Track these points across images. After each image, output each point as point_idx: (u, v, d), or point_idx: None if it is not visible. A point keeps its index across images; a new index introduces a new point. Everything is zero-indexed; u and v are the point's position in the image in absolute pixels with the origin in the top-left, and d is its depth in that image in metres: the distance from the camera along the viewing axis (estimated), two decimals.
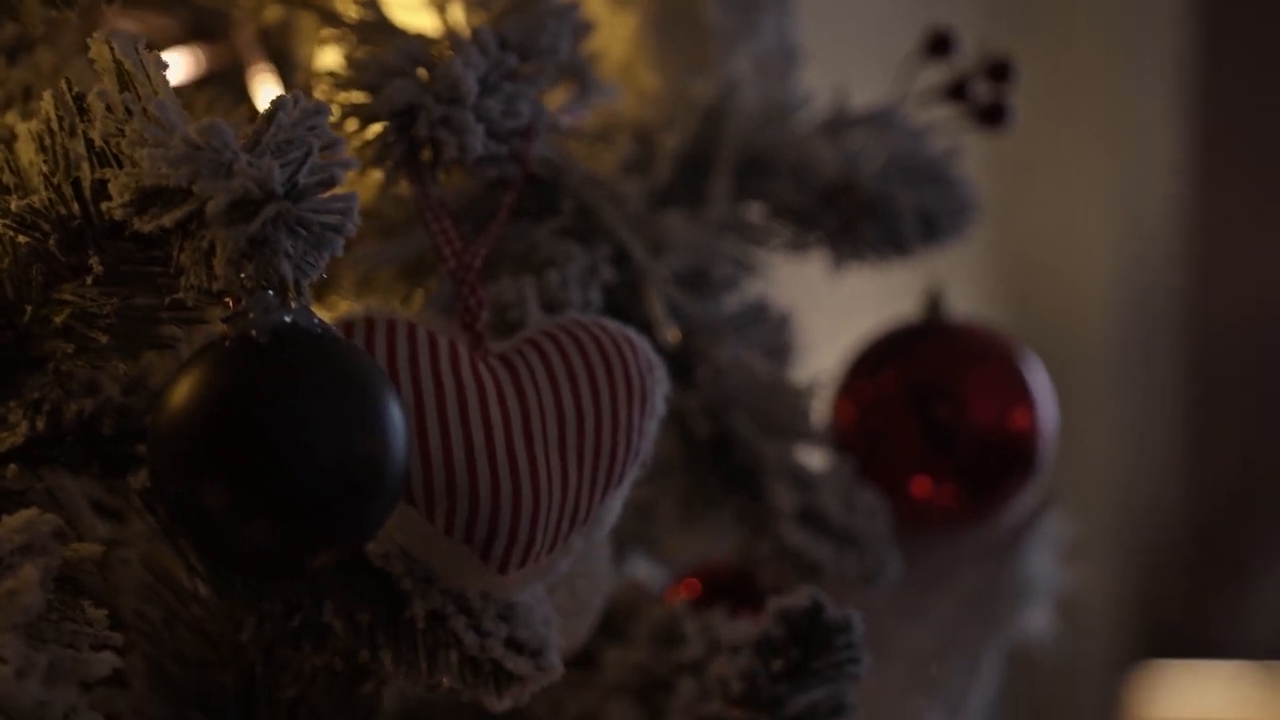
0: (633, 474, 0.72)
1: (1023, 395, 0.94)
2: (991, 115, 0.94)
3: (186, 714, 0.73)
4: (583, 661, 0.88)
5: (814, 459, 0.90)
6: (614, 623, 0.90)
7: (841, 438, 0.94)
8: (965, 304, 3.80)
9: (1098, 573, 4.36)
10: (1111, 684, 4.23)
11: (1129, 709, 3.80)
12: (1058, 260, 4.47)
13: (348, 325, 0.69)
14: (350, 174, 0.73)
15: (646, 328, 0.81)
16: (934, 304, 0.96)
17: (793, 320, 0.91)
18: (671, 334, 0.81)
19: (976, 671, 0.97)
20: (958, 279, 3.64)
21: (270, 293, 0.60)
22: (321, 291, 0.80)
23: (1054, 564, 0.97)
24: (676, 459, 0.88)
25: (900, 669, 0.95)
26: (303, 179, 0.60)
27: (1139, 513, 4.44)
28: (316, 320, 0.62)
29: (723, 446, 0.88)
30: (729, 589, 0.91)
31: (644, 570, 0.94)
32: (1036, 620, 0.98)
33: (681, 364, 0.87)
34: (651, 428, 0.72)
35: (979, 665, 0.97)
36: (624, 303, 0.83)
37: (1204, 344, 4.41)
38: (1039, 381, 0.95)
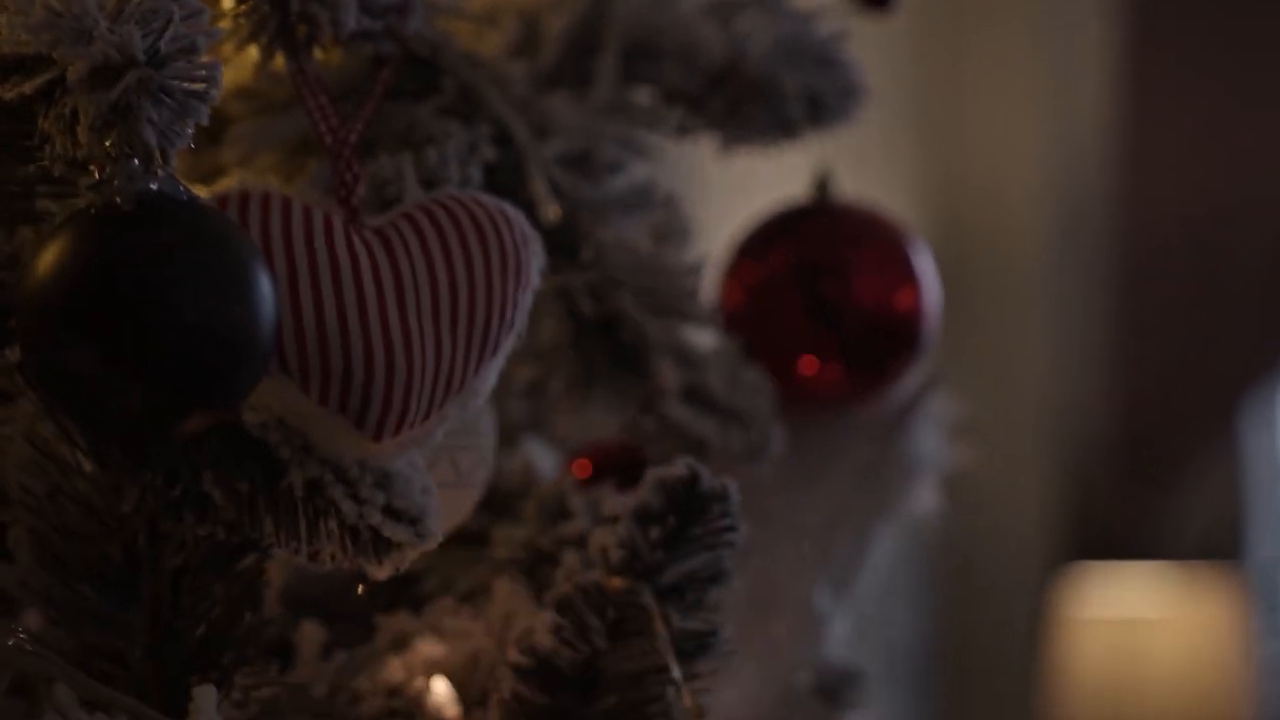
0: (508, 345, 0.73)
1: (909, 275, 0.96)
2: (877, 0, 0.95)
3: (72, 585, 0.74)
4: (474, 540, 0.90)
5: (700, 338, 0.91)
6: (506, 503, 0.91)
7: (728, 318, 0.95)
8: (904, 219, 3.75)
9: (1029, 478, 4.42)
10: (1040, 584, 4.29)
11: (1056, 608, 3.86)
12: (989, 174, 4.49)
13: (221, 199, 0.70)
14: (228, 52, 0.74)
15: (529, 207, 0.82)
16: (822, 185, 0.97)
17: (680, 203, 0.92)
18: (552, 211, 0.82)
19: (865, 549, 1.00)
20: (888, 192, 3.67)
21: (135, 161, 0.61)
22: (203, 172, 0.81)
23: (941, 442, 0.99)
24: (564, 339, 0.90)
25: (788, 546, 0.96)
26: (164, 46, 0.60)
27: (1069, 421, 4.49)
28: (183, 189, 0.63)
29: (609, 326, 0.89)
30: (618, 467, 0.92)
31: (536, 453, 0.96)
32: (924, 497, 1.00)
33: (567, 244, 0.88)
34: (526, 300, 0.73)
35: (867, 542, 0.99)
36: (506, 182, 0.84)
37: (1133, 257, 4.44)
38: (925, 263, 0.97)
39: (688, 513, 0.77)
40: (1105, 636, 3.59)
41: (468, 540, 0.89)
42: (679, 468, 0.77)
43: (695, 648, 0.80)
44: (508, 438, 0.94)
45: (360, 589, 0.84)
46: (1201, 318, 4.31)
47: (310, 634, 0.81)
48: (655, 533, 0.77)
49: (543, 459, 0.95)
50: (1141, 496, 4.35)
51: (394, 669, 0.82)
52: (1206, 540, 4.39)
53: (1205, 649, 3.54)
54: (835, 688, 1.01)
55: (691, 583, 0.79)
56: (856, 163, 3.71)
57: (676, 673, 0.79)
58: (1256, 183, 4.26)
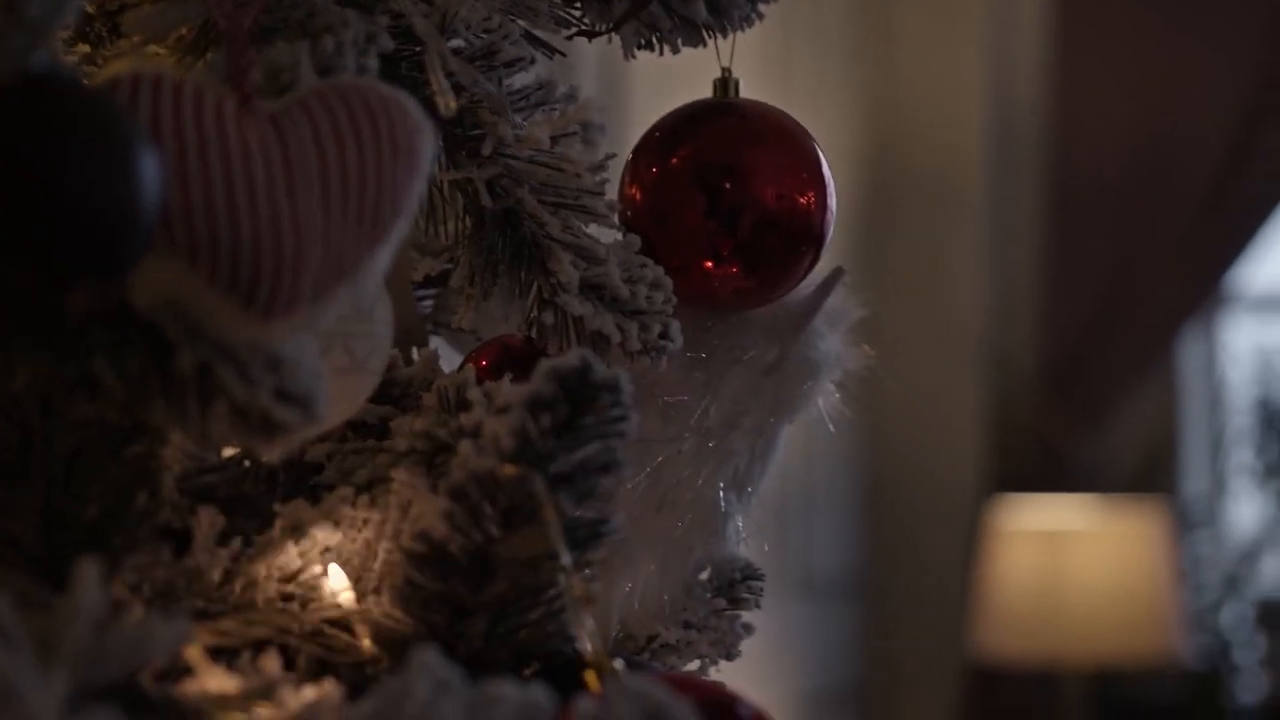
0: (399, 231, 0.74)
1: (808, 176, 0.97)
2: None
3: None
4: (373, 431, 0.91)
5: (600, 236, 0.92)
6: (406, 395, 0.92)
7: (629, 216, 0.96)
8: (837, 145, 3.83)
9: (960, 407, 4.45)
10: (970, 511, 4.34)
11: (985, 529, 3.90)
12: (922, 101, 4.50)
13: (113, 81, 0.70)
14: None
15: (428, 100, 0.83)
16: (724, 86, 0.98)
17: (583, 100, 0.93)
18: (449, 103, 0.83)
19: (766, 447, 1.01)
20: (830, 121, 3.66)
21: (19, 37, 0.61)
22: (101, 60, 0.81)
23: (841, 341, 1.00)
24: (465, 234, 0.90)
25: (690, 444, 0.98)
26: None
27: (1000, 352, 4.53)
28: (66, 67, 0.63)
29: (509, 221, 0.90)
30: (518, 362, 0.93)
31: (439, 348, 0.97)
32: (825, 397, 1.01)
33: (468, 139, 0.88)
34: (417, 187, 0.74)
35: (769, 441, 1.01)
36: (406, 75, 0.85)
37: (1067, 187, 4.47)
38: (823, 165, 0.97)
39: (579, 402, 0.79)
40: (1032, 548, 3.63)
41: (367, 431, 0.90)
42: (571, 358, 0.78)
43: (586, 535, 0.82)
44: (409, 333, 0.95)
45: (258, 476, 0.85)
46: (1135, 250, 4.35)
47: (206, 520, 0.82)
48: (547, 421, 0.78)
49: (445, 353, 0.96)
50: (1072, 428, 4.40)
51: (290, 556, 0.83)
52: (1136, 472, 4.45)
53: (1129, 561, 3.59)
54: (734, 585, 1.02)
55: (583, 471, 0.80)
56: (784, 85, 3.73)
57: (567, 559, 0.80)
58: (1192, 115, 4.28)
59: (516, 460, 0.79)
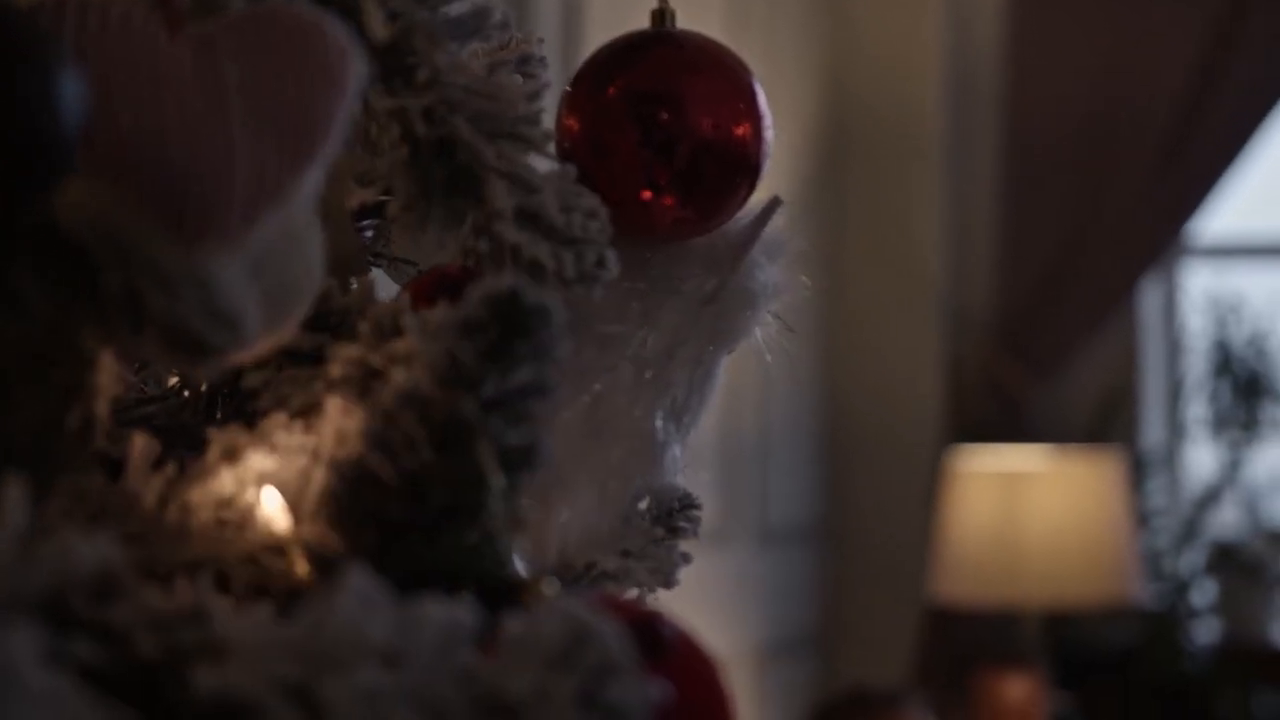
0: (327, 155, 0.74)
1: (745, 107, 0.97)
2: None
3: None
4: (309, 358, 0.91)
5: (536, 164, 0.92)
6: (341, 323, 0.93)
7: (566, 146, 0.96)
8: (795, 96, 3.85)
9: (917, 359, 4.47)
10: (927, 461, 4.36)
11: (944, 478, 3.92)
12: (886, 57, 4.49)
13: (38, 3, 0.70)
14: None
15: (362, 27, 0.83)
16: (661, 17, 0.98)
17: (517, 29, 0.93)
18: (381, 30, 0.83)
19: (704, 378, 1.02)
20: (788, 72, 3.65)
21: None
22: None
23: (777, 272, 1.01)
24: (399, 162, 0.91)
25: (627, 373, 0.98)
26: None
27: (957, 305, 4.54)
28: None
29: (444, 150, 0.90)
30: (456, 291, 0.93)
31: (378, 278, 0.97)
32: (762, 327, 1.02)
33: (402, 67, 0.89)
34: (344, 110, 0.74)
35: (707, 371, 1.01)
36: (338, 1, 0.85)
37: (1023, 139, 4.48)
38: (759, 96, 0.98)
39: (510, 326, 0.79)
40: (989, 492, 3.65)
41: (302, 359, 0.90)
42: (501, 282, 0.79)
43: (518, 461, 0.82)
44: (348, 262, 0.95)
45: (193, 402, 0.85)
46: (1091, 202, 4.36)
47: (140, 445, 0.82)
48: (477, 344, 0.79)
49: (384, 284, 0.97)
50: (1029, 379, 4.42)
51: (225, 482, 0.83)
52: (1094, 422, 4.47)
53: (1086, 504, 3.61)
54: (672, 514, 1.03)
55: (514, 395, 0.81)
56: (739, 29, 3.73)
57: (499, 483, 0.81)
58: (1147, 69, 4.29)
59: (447, 383, 0.79)
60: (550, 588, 0.79)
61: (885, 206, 4.46)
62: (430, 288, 0.95)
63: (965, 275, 4.58)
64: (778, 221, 1.01)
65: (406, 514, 0.82)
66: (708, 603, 3.87)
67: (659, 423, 1.00)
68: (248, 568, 0.83)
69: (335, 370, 0.89)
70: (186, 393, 0.89)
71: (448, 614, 0.71)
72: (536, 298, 0.79)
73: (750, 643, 4.09)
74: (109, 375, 0.80)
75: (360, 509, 0.82)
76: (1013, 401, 4.45)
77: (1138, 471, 4.31)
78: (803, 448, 4.42)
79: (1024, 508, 3.61)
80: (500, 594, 0.79)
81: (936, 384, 4.51)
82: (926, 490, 4.23)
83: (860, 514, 4.55)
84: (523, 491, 0.83)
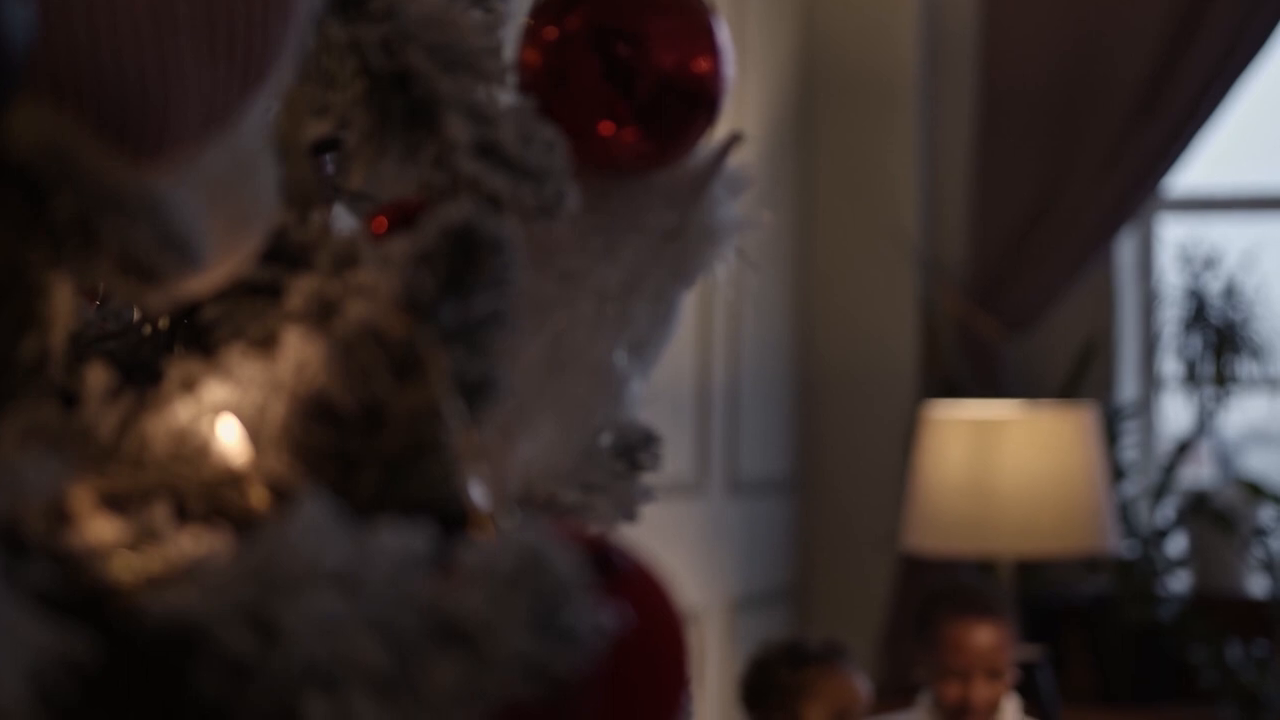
0: (276, 79, 0.74)
1: (705, 42, 0.97)
2: None
3: None
4: (267, 289, 0.91)
5: (496, 97, 0.92)
6: (300, 255, 0.92)
7: (525, 78, 0.96)
8: (771, 42, 3.82)
9: (892, 311, 4.47)
10: (902, 414, 4.37)
11: (918, 426, 3.93)
12: (862, 5, 4.49)
13: None
14: None
15: None
16: None
17: None
18: None
19: (665, 313, 1.02)
20: (763, 20, 3.64)
21: None
22: None
23: (739, 208, 1.01)
24: (357, 94, 0.90)
25: (588, 308, 0.98)
26: None
27: (932, 258, 4.54)
28: None
29: (401, 82, 0.90)
30: (413, 222, 0.93)
31: (338, 211, 0.97)
32: (722, 261, 1.02)
33: None
34: (295, 35, 0.74)
35: (668, 307, 1.02)
36: None
37: (996, 93, 4.47)
38: (720, 33, 0.98)
39: (465, 256, 0.79)
40: (964, 441, 3.66)
41: (260, 291, 0.90)
42: (456, 211, 0.79)
43: (477, 391, 0.82)
44: (306, 195, 0.95)
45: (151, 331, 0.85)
46: (1066, 154, 4.36)
47: (96, 376, 0.82)
48: (434, 275, 0.79)
49: (344, 218, 0.97)
50: (1004, 332, 4.43)
51: (183, 412, 0.83)
52: (1069, 375, 4.48)
53: (1060, 453, 3.62)
54: (634, 449, 1.03)
55: (471, 324, 0.81)
56: None
57: (457, 413, 0.81)
58: (1122, 20, 4.29)
59: (404, 313, 0.79)
60: (508, 517, 0.80)
61: (859, 157, 4.46)
62: (388, 220, 0.95)
63: (939, 227, 4.59)
64: (739, 159, 1.01)
65: (364, 444, 0.82)
66: (680, 554, 3.88)
67: (620, 358, 1.00)
68: (205, 497, 0.83)
69: (293, 302, 0.89)
70: (149, 329, 0.89)
71: (403, 541, 0.72)
72: (491, 227, 0.79)
73: (723, 594, 4.10)
74: (64, 306, 0.80)
75: (318, 439, 0.82)
76: (987, 355, 4.46)
77: (1112, 424, 4.32)
78: (776, 399, 4.43)
79: (997, 460, 3.62)
80: (457, 523, 0.79)
81: (911, 337, 4.52)
82: (901, 442, 4.24)
83: (834, 466, 4.56)
84: (483, 423, 0.83)
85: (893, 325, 4.52)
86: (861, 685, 3.01)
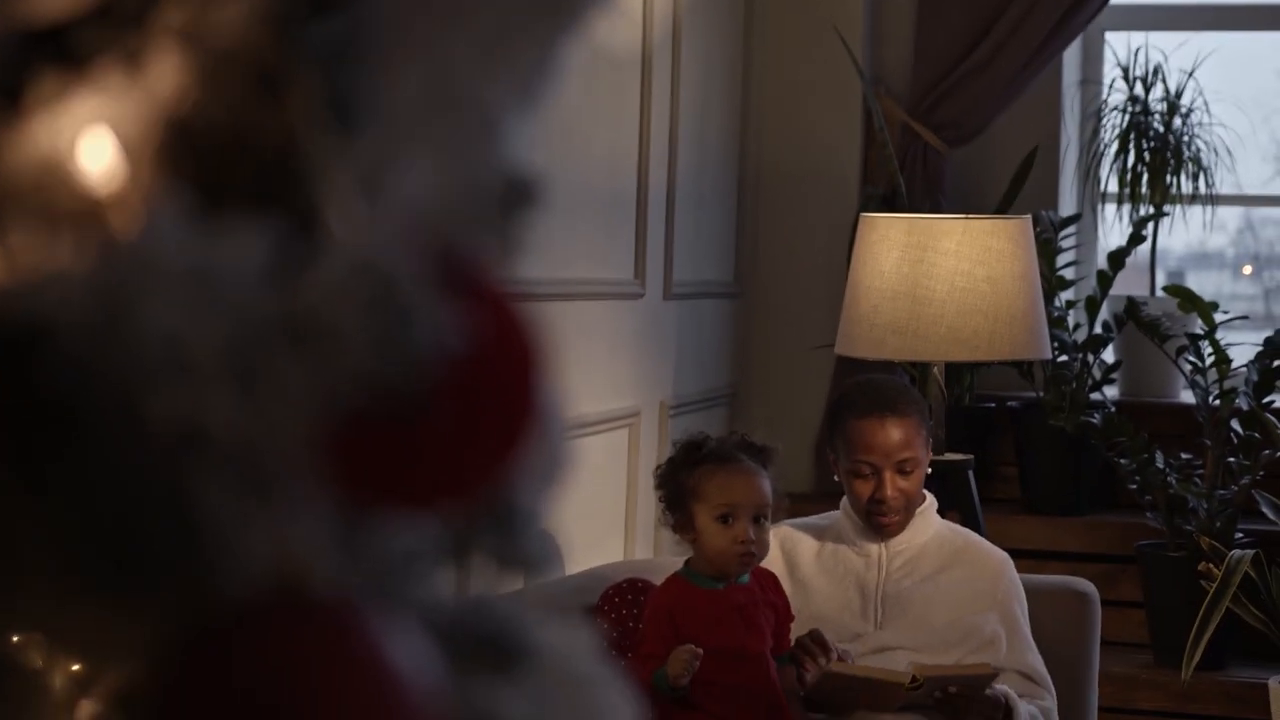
0: None
1: None
2: None
3: None
4: (141, 11, 0.89)
5: None
6: None
7: None
8: None
9: (833, 125, 4.46)
10: (840, 226, 4.38)
11: (855, 238, 3.94)
12: None
13: None
14: None
15: None
16: None
17: None
18: None
19: (548, 57, 1.01)
20: None
21: None
22: None
23: None
24: None
25: (463, 45, 0.97)
26: None
27: (876, 72, 4.52)
28: None
29: None
30: None
31: None
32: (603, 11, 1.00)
33: None
34: None
35: (550, 51, 1.00)
36: None
37: None
38: None
39: None
40: (901, 251, 3.67)
41: (132, 9, 0.88)
42: None
43: (348, 113, 0.82)
44: None
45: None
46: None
47: None
48: None
49: None
50: (944, 148, 4.43)
51: (46, 131, 0.82)
52: (1010, 188, 4.49)
53: (995, 264, 3.65)
54: (517, 193, 1.03)
55: (341, 42, 0.80)
56: None
57: (327, 135, 0.80)
58: None
59: (269, 25, 0.78)
60: (367, 232, 0.79)
61: None
62: None
63: (883, 42, 4.56)
64: None
65: (231, 170, 0.81)
66: (617, 357, 3.90)
67: (501, 98, 0.99)
68: (68, 219, 0.82)
69: (168, 19, 0.88)
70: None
71: (256, 243, 0.72)
72: None
73: (659, 396, 4.13)
74: None
75: (184, 159, 0.81)
76: (928, 167, 4.46)
77: (1049, 236, 4.34)
78: (716, 203, 4.42)
79: (932, 268, 3.64)
80: (315, 233, 0.79)
81: (854, 144, 4.51)
82: (843, 249, 4.25)
83: (774, 271, 4.57)
84: (354, 148, 0.83)
85: (836, 130, 4.51)
86: (756, 487, 2.95)
